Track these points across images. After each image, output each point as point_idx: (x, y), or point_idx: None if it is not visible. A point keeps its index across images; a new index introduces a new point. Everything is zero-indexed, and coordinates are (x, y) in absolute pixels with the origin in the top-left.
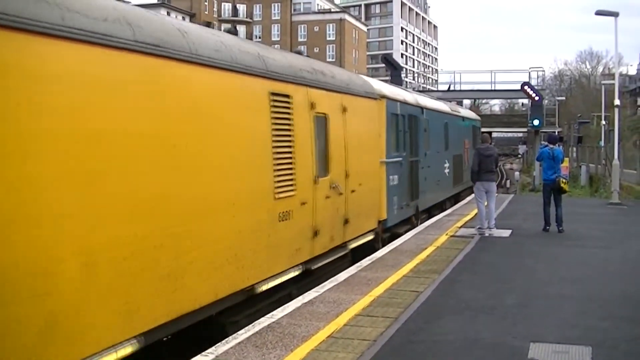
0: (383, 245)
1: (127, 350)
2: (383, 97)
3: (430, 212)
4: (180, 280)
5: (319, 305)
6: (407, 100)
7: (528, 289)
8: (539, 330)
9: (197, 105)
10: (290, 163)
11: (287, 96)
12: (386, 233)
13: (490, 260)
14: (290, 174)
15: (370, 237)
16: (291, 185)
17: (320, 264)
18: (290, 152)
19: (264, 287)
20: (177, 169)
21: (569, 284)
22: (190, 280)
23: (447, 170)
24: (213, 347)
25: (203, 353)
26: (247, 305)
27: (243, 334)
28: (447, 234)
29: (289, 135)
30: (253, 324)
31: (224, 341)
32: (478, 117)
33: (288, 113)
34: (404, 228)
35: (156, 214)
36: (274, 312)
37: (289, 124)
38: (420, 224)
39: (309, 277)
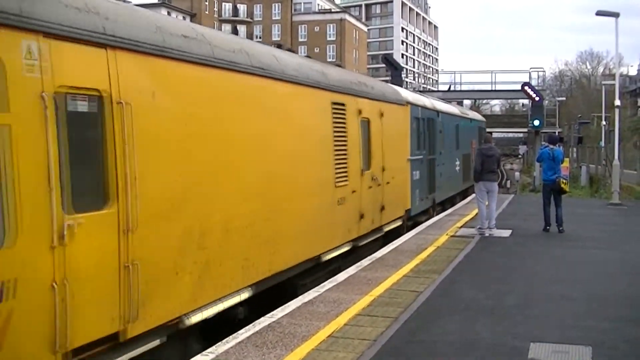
0: (407, 231)
1: (245, 295)
2: (408, 103)
3: (443, 205)
4: (276, 246)
5: (319, 305)
6: (426, 105)
7: (528, 290)
8: (539, 330)
9: (287, 113)
10: (345, 158)
11: (342, 104)
12: (409, 221)
13: (491, 260)
14: (345, 167)
15: (399, 222)
16: (345, 176)
17: (364, 242)
18: (345, 150)
19: (327, 257)
20: (279, 162)
21: (569, 284)
22: (282, 246)
23: (457, 168)
24: (213, 347)
25: (203, 353)
26: (312, 271)
27: (243, 334)
28: (447, 234)
29: (344, 136)
30: (253, 323)
31: (224, 341)
32: (483, 119)
33: (343, 118)
34: (424, 217)
35: (266, 195)
36: (274, 312)
37: (344, 127)
38: (436, 215)
39: (352, 254)
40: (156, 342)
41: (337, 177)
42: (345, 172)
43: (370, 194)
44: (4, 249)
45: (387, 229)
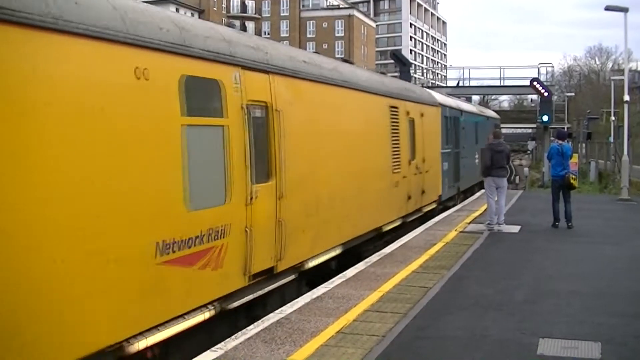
0: (438, 214)
1: (338, 251)
2: (439, 104)
3: (465, 194)
4: (357, 216)
5: (328, 300)
6: (452, 105)
7: (537, 285)
8: (548, 326)
9: (363, 115)
10: (398, 150)
11: (396, 107)
12: (440, 206)
13: (499, 256)
14: (398, 157)
15: (434, 205)
16: (399, 164)
17: (410, 219)
18: (398, 143)
19: (386, 229)
20: (360, 153)
21: (578, 280)
22: (361, 217)
23: (476, 161)
24: (222, 343)
25: (212, 348)
26: (372, 240)
27: (252, 330)
28: (456, 230)
29: (397, 133)
30: (262, 319)
31: (233, 337)
32: (498, 116)
33: (397, 118)
34: (451, 203)
35: (354, 178)
36: (283, 308)
37: (397, 125)
38: (460, 202)
39: (401, 229)
40: (292, 277)
41: (394, 165)
42: (399, 161)
43: (415, 180)
44: (225, 205)
45: (425, 209)
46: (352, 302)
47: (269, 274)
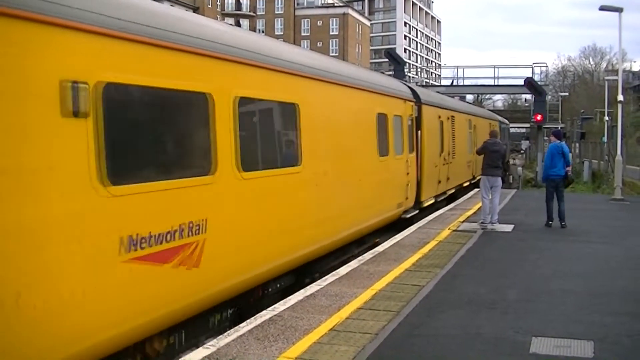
0: (459, 197)
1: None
2: (467, 113)
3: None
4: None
5: (321, 298)
6: (476, 113)
7: (530, 284)
8: (541, 325)
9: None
10: (441, 146)
11: (439, 115)
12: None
13: (493, 254)
14: (439, 151)
15: (453, 190)
16: (439, 155)
17: (440, 199)
18: (442, 141)
19: (426, 204)
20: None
21: (572, 279)
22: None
23: None
24: (215, 340)
25: (205, 345)
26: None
27: (245, 327)
28: (449, 228)
29: (441, 134)
30: (255, 316)
31: (225, 334)
32: (506, 121)
33: (453, 126)
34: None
35: (442, 158)
36: (276, 305)
37: (441, 129)
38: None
39: (432, 207)
40: (432, 201)
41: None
42: (439, 153)
43: (443, 169)
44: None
45: (449, 192)
46: (345, 300)
47: (418, 205)
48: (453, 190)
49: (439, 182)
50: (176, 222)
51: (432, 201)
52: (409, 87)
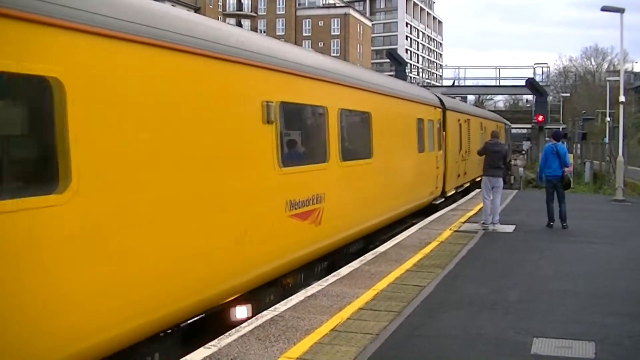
0: (471, 191)
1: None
2: (479, 116)
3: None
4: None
5: (322, 298)
6: (489, 117)
7: (531, 285)
8: (542, 325)
9: (470, 129)
10: (460, 145)
11: (459, 119)
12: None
13: (494, 255)
14: (458, 149)
15: (468, 184)
16: (459, 152)
17: (459, 190)
18: (461, 141)
19: (449, 194)
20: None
21: (573, 279)
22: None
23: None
24: (216, 340)
25: (206, 345)
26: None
27: (246, 327)
28: (450, 229)
29: (459, 135)
30: (256, 316)
31: (226, 334)
32: (508, 122)
33: (469, 128)
34: None
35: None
36: (277, 305)
37: (460, 131)
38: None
39: (452, 197)
40: (453, 192)
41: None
42: (459, 151)
43: (462, 164)
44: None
45: (465, 185)
46: (346, 300)
47: (443, 194)
48: (468, 184)
49: (458, 175)
50: (311, 193)
51: (453, 192)
52: (437, 96)
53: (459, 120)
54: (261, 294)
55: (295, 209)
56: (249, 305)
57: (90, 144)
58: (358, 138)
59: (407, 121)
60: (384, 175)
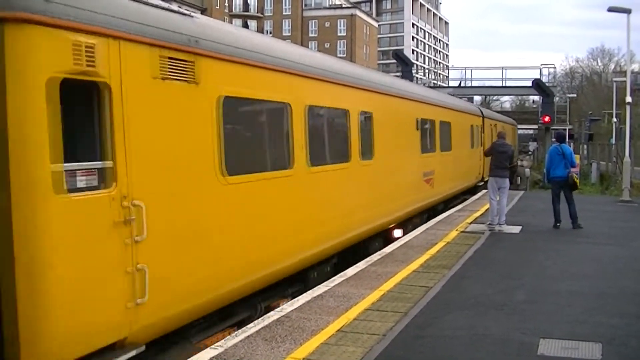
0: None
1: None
2: (491, 118)
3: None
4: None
5: (328, 299)
6: (503, 120)
7: (538, 285)
8: (549, 326)
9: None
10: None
11: (491, 125)
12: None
13: (500, 256)
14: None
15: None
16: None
17: (480, 183)
18: (492, 139)
19: (486, 179)
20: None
21: (579, 280)
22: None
23: None
24: (222, 341)
25: (212, 346)
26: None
27: (252, 328)
28: (457, 230)
29: (491, 136)
30: (262, 317)
31: (233, 334)
32: (515, 123)
33: (491, 129)
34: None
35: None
36: (284, 306)
37: (491, 133)
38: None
39: (471, 192)
40: (487, 179)
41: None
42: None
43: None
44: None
45: (481, 183)
46: (352, 301)
47: (482, 180)
48: None
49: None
50: (427, 169)
51: (487, 179)
52: (479, 108)
53: (490, 124)
54: (407, 223)
55: (425, 177)
56: (401, 230)
57: (454, 139)
58: (449, 139)
59: (465, 127)
60: (458, 162)
